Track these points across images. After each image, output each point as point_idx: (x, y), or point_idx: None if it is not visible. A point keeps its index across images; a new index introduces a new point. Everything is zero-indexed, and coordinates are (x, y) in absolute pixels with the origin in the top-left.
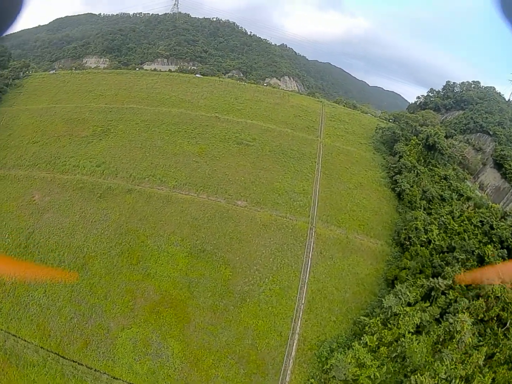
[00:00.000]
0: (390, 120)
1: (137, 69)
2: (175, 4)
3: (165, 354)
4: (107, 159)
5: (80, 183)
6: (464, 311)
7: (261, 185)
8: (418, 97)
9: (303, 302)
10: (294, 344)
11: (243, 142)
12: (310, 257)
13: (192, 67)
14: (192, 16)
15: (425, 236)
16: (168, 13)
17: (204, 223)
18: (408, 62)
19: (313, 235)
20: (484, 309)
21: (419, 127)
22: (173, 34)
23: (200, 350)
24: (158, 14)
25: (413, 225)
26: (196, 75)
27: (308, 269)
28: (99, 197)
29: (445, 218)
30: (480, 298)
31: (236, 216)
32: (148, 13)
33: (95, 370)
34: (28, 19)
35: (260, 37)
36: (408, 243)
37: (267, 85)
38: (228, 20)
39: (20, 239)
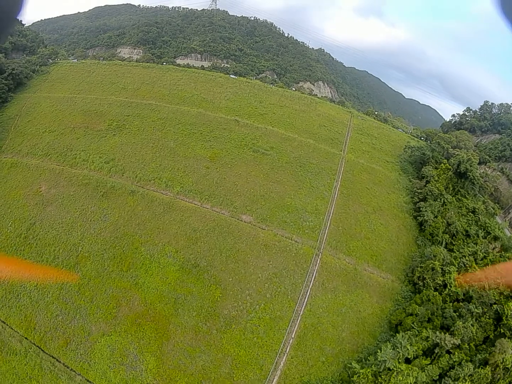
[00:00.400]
0: (422, 138)
1: (164, 63)
2: (213, 0)
3: (139, 368)
4: (117, 156)
5: (86, 178)
6: (466, 378)
7: (271, 199)
8: (453, 116)
9: (292, 336)
10: (274, 380)
11: (259, 150)
12: (310, 287)
13: (226, 65)
14: (230, 13)
15: (442, 279)
16: (205, 9)
17: (202, 236)
18: (446, 77)
19: (317, 262)
20: (489, 380)
21: (452, 149)
22: (209, 30)
23: (175, 370)
24: (196, 9)
25: (430, 265)
26: (231, 75)
27: (305, 300)
28: (102, 195)
29: (467, 260)
30: (487, 365)
31: (238, 232)
32: (186, 8)
33: (71, 369)
34: (69, 6)
35: (297, 40)
36: (421, 284)
37: (295, 90)
38: (266, 20)
39: (22, 229)
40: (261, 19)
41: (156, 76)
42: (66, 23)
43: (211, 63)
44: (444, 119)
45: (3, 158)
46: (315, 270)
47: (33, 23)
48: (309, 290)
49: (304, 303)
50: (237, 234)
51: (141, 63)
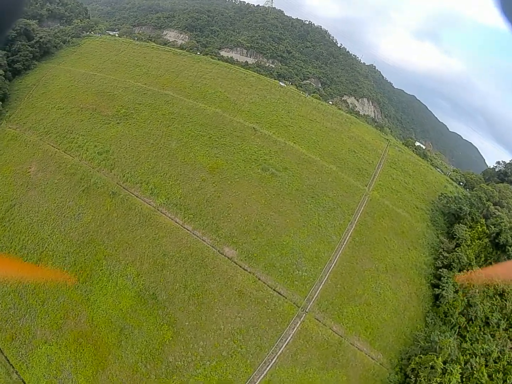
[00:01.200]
0: (461, 183)
1: (198, 53)
2: None
3: None
4: (112, 148)
5: (73, 168)
6: None
7: (265, 233)
8: (498, 163)
9: None
10: None
11: (269, 169)
12: (278, 354)
13: (271, 65)
14: (285, 14)
15: (439, 380)
16: (260, 6)
17: (171, 264)
18: (492, 116)
19: (296, 326)
20: None
21: (492, 207)
22: (260, 27)
23: None
24: (252, 4)
25: (430, 361)
26: (280, 83)
27: (267, 369)
28: (83, 191)
29: (476, 361)
30: None
31: (213, 268)
32: (242, 1)
33: (11, 364)
34: None
35: (348, 51)
36: (413, 380)
37: (332, 104)
38: (320, 26)
39: (1, 208)
40: (315, 25)
41: (184, 65)
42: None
43: (256, 60)
44: (483, 159)
45: (7, 129)
46: (290, 335)
47: None
48: (275, 358)
49: (264, 373)
50: (211, 270)
51: (172, 49)
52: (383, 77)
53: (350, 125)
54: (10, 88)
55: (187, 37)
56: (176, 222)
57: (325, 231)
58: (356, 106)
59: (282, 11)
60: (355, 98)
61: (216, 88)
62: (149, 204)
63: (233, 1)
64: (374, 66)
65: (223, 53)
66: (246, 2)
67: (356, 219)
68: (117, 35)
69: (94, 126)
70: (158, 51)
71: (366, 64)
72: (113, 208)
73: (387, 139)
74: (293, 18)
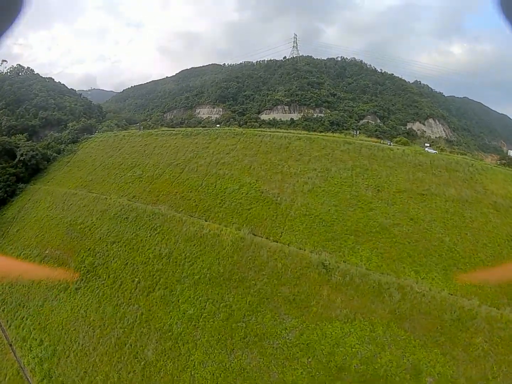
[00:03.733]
0: None
1: (218, 125)
2: (293, 46)
3: None
4: (60, 350)
5: None
6: None
7: None
8: None
9: None
10: None
11: None
12: None
13: (319, 114)
14: (314, 57)
15: None
16: (287, 58)
17: None
18: None
19: None
20: None
21: None
22: (294, 77)
23: None
24: (280, 60)
25: None
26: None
27: None
28: None
29: None
30: None
31: None
32: (269, 59)
33: None
34: (159, 72)
35: (393, 74)
36: None
37: (429, 147)
38: (354, 58)
39: None
40: (348, 58)
41: (196, 149)
42: (153, 87)
43: (301, 114)
44: None
45: None
46: None
47: (124, 90)
48: None
49: None
50: None
51: (182, 130)
52: (432, 89)
53: (477, 177)
54: None
55: (221, 109)
56: None
57: None
58: (425, 131)
59: (311, 56)
60: (420, 122)
61: (243, 177)
62: None
63: (260, 62)
64: (419, 81)
65: (263, 116)
66: (273, 58)
67: None
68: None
69: (48, 296)
70: (164, 137)
71: (411, 82)
72: None
73: None
74: (324, 59)
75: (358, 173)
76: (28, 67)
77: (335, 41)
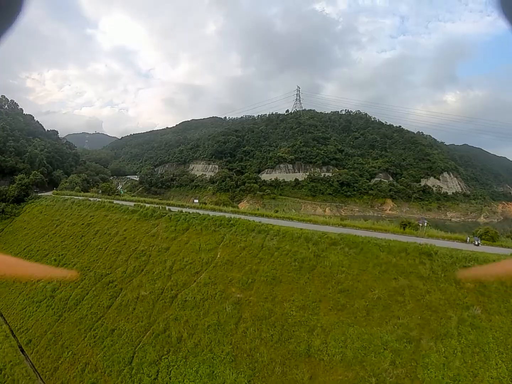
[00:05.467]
0: None
1: (196, 200)
2: (296, 99)
3: None
4: None
5: None
6: None
7: None
8: None
9: None
10: None
11: None
12: None
13: (326, 174)
14: (317, 111)
15: None
16: (290, 111)
17: None
18: None
19: None
20: None
21: None
22: (298, 132)
23: None
24: (283, 113)
25: None
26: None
27: None
28: None
29: None
30: None
31: None
32: (271, 113)
33: None
34: (162, 123)
35: (400, 126)
36: None
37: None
38: (359, 111)
39: None
40: (353, 111)
41: (152, 245)
42: (151, 137)
43: (307, 173)
44: None
45: None
46: None
47: (122, 137)
48: None
49: None
50: None
51: (138, 211)
52: (436, 140)
53: None
54: None
55: (216, 166)
56: None
57: None
58: (441, 187)
59: (314, 110)
60: (434, 177)
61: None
62: None
63: (262, 117)
64: (422, 132)
65: (264, 176)
66: (275, 112)
67: None
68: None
69: None
70: (116, 217)
71: (414, 133)
72: None
73: None
74: (328, 113)
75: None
76: (12, 100)
77: (334, 96)
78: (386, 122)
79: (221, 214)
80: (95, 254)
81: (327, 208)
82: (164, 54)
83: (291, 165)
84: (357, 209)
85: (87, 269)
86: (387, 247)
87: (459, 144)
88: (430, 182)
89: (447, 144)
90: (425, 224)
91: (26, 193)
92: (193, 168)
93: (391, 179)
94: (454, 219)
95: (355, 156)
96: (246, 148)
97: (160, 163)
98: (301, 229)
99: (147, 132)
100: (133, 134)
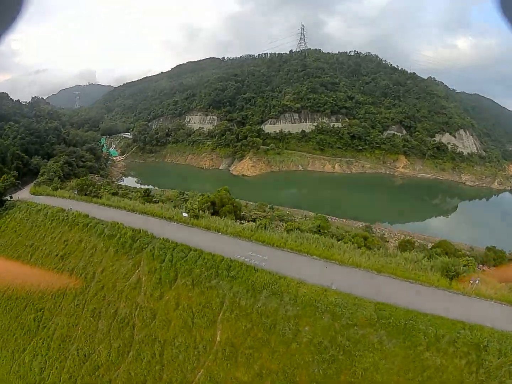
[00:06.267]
0: None
1: (185, 214)
2: (301, 38)
3: None
4: None
5: None
6: None
7: None
8: None
9: None
10: None
11: None
12: None
13: (335, 124)
14: (324, 51)
15: None
16: (294, 51)
17: None
18: None
19: None
20: None
21: None
22: (303, 76)
23: None
24: (284, 53)
25: None
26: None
27: None
28: None
29: None
30: None
31: None
32: (273, 53)
33: None
34: (158, 67)
35: (414, 73)
36: None
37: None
38: (369, 52)
39: None
40: (363, 53)
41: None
42: (146, 85)
43: (315, 124)
44: None
45: None
46: None
47: (115, 88)
48: None
49: None
50: None
51: (115, 236)
52: (448, 87)
53: None
54: None
55: (215, 118)
56: None
57: None
58: (457, 146)
59: (320, 49)
60: (450, 134)
61: None
62: None
63: (263, 57)
64: (434, 78)
65: (268, 127)
66: (277, 53)
67: None
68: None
69: None
70: (90, 241)
71: (425, 78)
72: None
73: None
74: (336, 53)
75: None
76: None
77: (338, 33)
78: (398, 67)
79: (218, 249)
80: (73, 315)
81: (336, 164)
82: None
83: (297, 114)
84: (368, 166)
85: (68, 340)
86: (433, 335)
87: (470, 93)
88: (445, 138)
89: (458, 91)
90: (477, 282)
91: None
92: (189, 120)
93: (404, 132)
94: (468, 183)
95: (366, 105)
96: (247, 94)
97: (154, 116)
98: (325, 290)
99: (141, 79)
100: (127, 83)
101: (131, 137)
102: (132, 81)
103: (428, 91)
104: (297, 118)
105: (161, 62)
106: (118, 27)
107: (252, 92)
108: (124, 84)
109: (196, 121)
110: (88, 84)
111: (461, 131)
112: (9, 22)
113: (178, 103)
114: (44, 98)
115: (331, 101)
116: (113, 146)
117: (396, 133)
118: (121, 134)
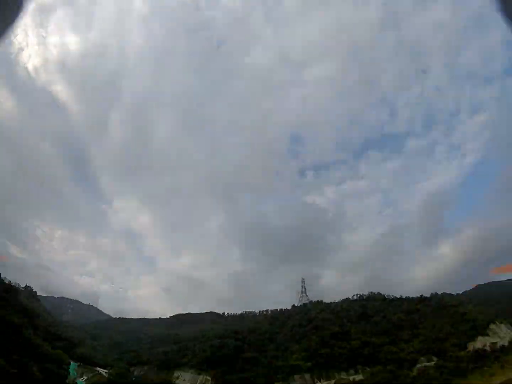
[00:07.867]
0: None
1: None
2: (302, 292)
3: None
4: None
5: None
6: None
7: None
8: None
9: None
10: None
11: None
12: None
13: (355, 377)
14: (325, 301)
15: None
16: (296, 305)
17: None
18: None
19: None
20: None
21: None
22: (310, 330)
23: None
24: (286, 309)
25: None
26: None
27: None
28: None
29: None
30: None
31: None
32: (275, 309)
33: None
34: (159, 310)
35: (422, 295)
36: None
37: None
38: (372, 292)
39: None
40: (365, 293)
41: None
42: (140, 326)
43: (333, 382)
44: None
45: None
46: None
47: (107, 320)
48: None
49: None
50: None
51: None
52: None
53: None
54: None
55: (209, 379)
56: None
57: None
58: (496, 343)
59: (322, 300)
60: (482, 336)
61: None
62: None
63: (265, 313)
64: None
65: None
66: (279, 308)
67: None
68: None
69: None
70: None
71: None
72: None
73: None
74: (339, 301)
75: None
76: None
77: (334, 282)
78: (403, 296)
79: None
80: None
81: None
82: (168, 244)
83: (308, 374)
84: None
85: None
86: None
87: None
88: (479, 343)
89: (460, 292)
90: None
91: None
92: (178, 376)
93: (435, 359)
94: None
95: (384, 346)
96: (249, 353)
97: (139, 362)
98: None
99: (138, 319)
100: (124, 318)
101: (106, 376)
102: (129, 318)
103: (442, 306)
104: (309, 379)
105: (162, 307)
106: (128, 264)
107: (253, 351)
108: (120, 318)
109: (186, 379)
110: (89, 304)
111: (491, 325)
112: (8, 22)
113: (169, 354)
114: None
115: (346, 353)
116: (84, 377)
117: (427, 364)
118: (98, 368)
